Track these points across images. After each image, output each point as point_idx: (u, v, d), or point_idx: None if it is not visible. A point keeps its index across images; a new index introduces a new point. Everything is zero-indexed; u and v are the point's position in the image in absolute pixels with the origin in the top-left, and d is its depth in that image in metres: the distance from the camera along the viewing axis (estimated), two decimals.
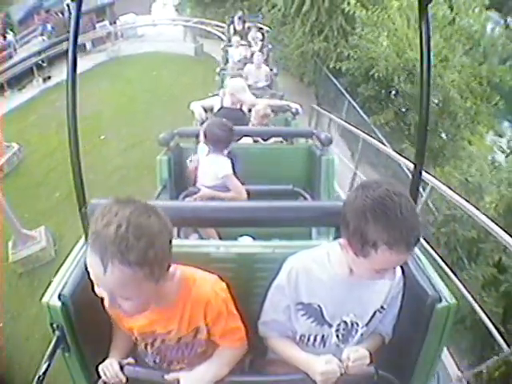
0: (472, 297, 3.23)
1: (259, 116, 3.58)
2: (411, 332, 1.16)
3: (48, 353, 1.07)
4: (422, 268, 1.18)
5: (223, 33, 12.75)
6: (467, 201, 3.26)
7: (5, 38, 16.18)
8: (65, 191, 7.29)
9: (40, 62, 15.21)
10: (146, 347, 1.25)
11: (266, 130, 3.54)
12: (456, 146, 8.49)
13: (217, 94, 4.01)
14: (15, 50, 17.40)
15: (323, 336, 1.19)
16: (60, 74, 12.73)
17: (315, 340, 1.19)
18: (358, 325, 1.19)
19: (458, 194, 3.07)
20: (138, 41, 17.69)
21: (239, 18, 8.28)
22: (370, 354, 1.11)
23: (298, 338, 1.23)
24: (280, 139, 3.71)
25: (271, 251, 1.36)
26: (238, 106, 3.91)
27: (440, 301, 1.06)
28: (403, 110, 8.93)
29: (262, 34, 7.31)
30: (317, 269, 1.14)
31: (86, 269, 1.11)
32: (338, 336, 1.18)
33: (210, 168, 2.71)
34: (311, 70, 11.28)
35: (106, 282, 0.96)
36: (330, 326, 1.17)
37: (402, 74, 8.54)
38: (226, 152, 2.61)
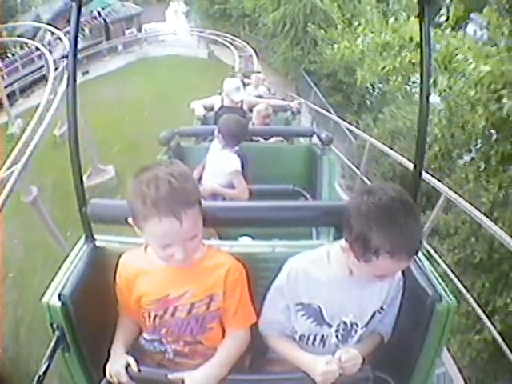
0: None
1: (261, 116, 3.29)
2: (411, 332, 1.07)
3: (48, 353, 1.00)
4: (422, 268, 1.09)
5: (230, 42, 14.83)
6: (461, 196, 3.23)
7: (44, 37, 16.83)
8: (120, 149, 8.78)
9: (80, 59, 16.35)
10: (154, 320, 1.09)
11: (266, 129, 3.25)
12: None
13: (219, 93, 3.75)
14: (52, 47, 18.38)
15: (323, 336, 1.09)
16: (95, 70, 13.15)
17: (315, 340, 1.10)
18: (357, 325, 1.09)
19: (449, 187, 3.07)
20: (160, 45, 19.23)
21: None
22: (363, 358, 1.03)
23: (297, 337, 1.12)
24: (280, 138, 3.35)
25: (271, 251, 1.25)
26: (239, 105, 3.58)
27: (440, 301, 0.99)
28: (349, 93, 12.26)
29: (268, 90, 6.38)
30: (316, 269, 1.06)
31: (86, 269, 1.11)
32: (337, 336, 1.09)
33: (219, 164, 2.40)
34: (292, 70, 14.19)
35: (183, 232, 0.94)
36: (330, 326, 1.08)
37: (342, 70, 11.47)
38: (236, 149, 2.40)
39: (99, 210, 1.20)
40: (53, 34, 14.99)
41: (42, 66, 15.07)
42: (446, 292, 1.04)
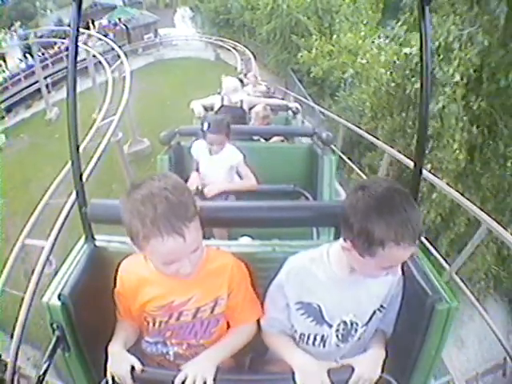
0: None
1: (260, 117, 3.12)
2: (411, 333, 1.00)
3: (48, 353, 0.94)
4: (422, 268, 1.02)
5: (233, 47, 15.80)
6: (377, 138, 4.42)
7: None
8: (150, 129, 9.54)
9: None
10: (159, 325, 1.00)
11: (267, 129, 3.08)
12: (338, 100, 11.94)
13: (219, 93, 3.41)
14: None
15: (323, 336, 1.02)
16: (118, 70, 18.18)
17: (315, 340, 1.02)
18: (357, 324, 1.01)
19: (448, 184, 3.22)
20: (173, 48, 20.38)
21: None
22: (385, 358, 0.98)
23: (297, 337, 1.03)
24: (281, 138, 3.13)
25: (271, 251, 1.17)
26: (239, 104, 3.31)
27: (440, 301, 0.94)
28: (323, 86, 13.54)
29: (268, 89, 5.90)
30: (316, 268, 0.99)
31: (86, 269, 1.02)
32: (337, 336, 1.01)
33: (219, 161, 2.15)
34: (282, 69, 15.84)
35: (188, 246, 0.83)
36: (330, 326, 1.00)
37: (312, 68, 12.40)
38: (231, 141, 2.22)
39: (99, 210, 1.10)
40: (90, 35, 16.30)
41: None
42: (446, 292, 0.96)
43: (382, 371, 0.96)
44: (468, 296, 2.64)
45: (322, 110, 8.48)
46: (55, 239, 2.63)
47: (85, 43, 14.12)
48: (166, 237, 0.80)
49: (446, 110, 4.41)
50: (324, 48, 9.35)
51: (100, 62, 9.10)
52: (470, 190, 4.76)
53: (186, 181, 2.17)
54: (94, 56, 10.15)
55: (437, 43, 4.39)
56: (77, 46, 0.98)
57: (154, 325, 1.00)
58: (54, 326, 0.98)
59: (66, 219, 2.62)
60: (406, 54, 5.30)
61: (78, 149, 1.03)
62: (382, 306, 1.03)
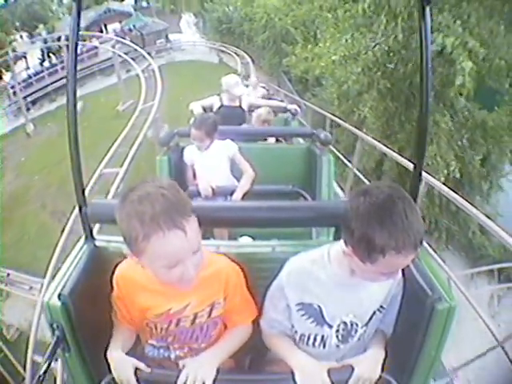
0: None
1: (260, 121, 2.96)
2: (411, 333, 0.96)
3: (48, 353, 0.90)
4: (422, 268, 0.97)
5: (234, 52, 16.57)
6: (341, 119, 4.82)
7: (91, 41, 18.18)
8: (168, 120, 9.83)
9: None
10: (161, 330, 0.95)
11: (266, 129, 2.96)
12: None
13: (218, 94, 3.07)
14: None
15: (323, 336, 0.97)
16: (135, 69, 18.91)
17: (315, 340, 0.97)
18: (357, 325, 0.96)
19: (451, 189, 2.96)
20: (182, 52, 21.39)
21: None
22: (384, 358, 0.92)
23: (297, 338, 0.98)
24: (280, 138, 2.96)
25: (271, 251, 1.11)
26: (238, 104, 3.11)
27: (440, 301, 0.90)
28: (307, 84, 14.92)
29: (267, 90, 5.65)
30: (316, 269, 0.93)
31: (86, 269, 0.95)
32: (337, 337, 0.96)
33: (216, 156, 2.06)
34: (275, 71, 16.95)
35: (189, 244, 0.75)
36: (330, 326, 0.95)
37: (296, 69, 13.34)
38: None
39: (99, 210, 1.04)
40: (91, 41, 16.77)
41: (92, 65, 17.69)
42: (446, 292, 0.90)
43: (382, 371, 0.90)
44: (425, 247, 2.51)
45: (304, 102, 10.46)
46: (128, 166, 3.04)
47: (113, 46, 14.29)
48: (167, 232, 0.71)
49: (352, 88, 6.04)
50: (302, 54, 12.58)
51: (127, 61, 9.57)
52: (392, 144, 5.68)
53: (186, 181, 2.13)
54: (119, 56, 10.38)
55: (352, 52, 6.04)
56: (77, 47, 0.91)
57: (156, 330, 0.93)
58: (54, 325, 0.91)
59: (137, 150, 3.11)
60: (333, 60, 6.82)
61: (77, 149, 0.94)
62: (381, 307, 0.96)
